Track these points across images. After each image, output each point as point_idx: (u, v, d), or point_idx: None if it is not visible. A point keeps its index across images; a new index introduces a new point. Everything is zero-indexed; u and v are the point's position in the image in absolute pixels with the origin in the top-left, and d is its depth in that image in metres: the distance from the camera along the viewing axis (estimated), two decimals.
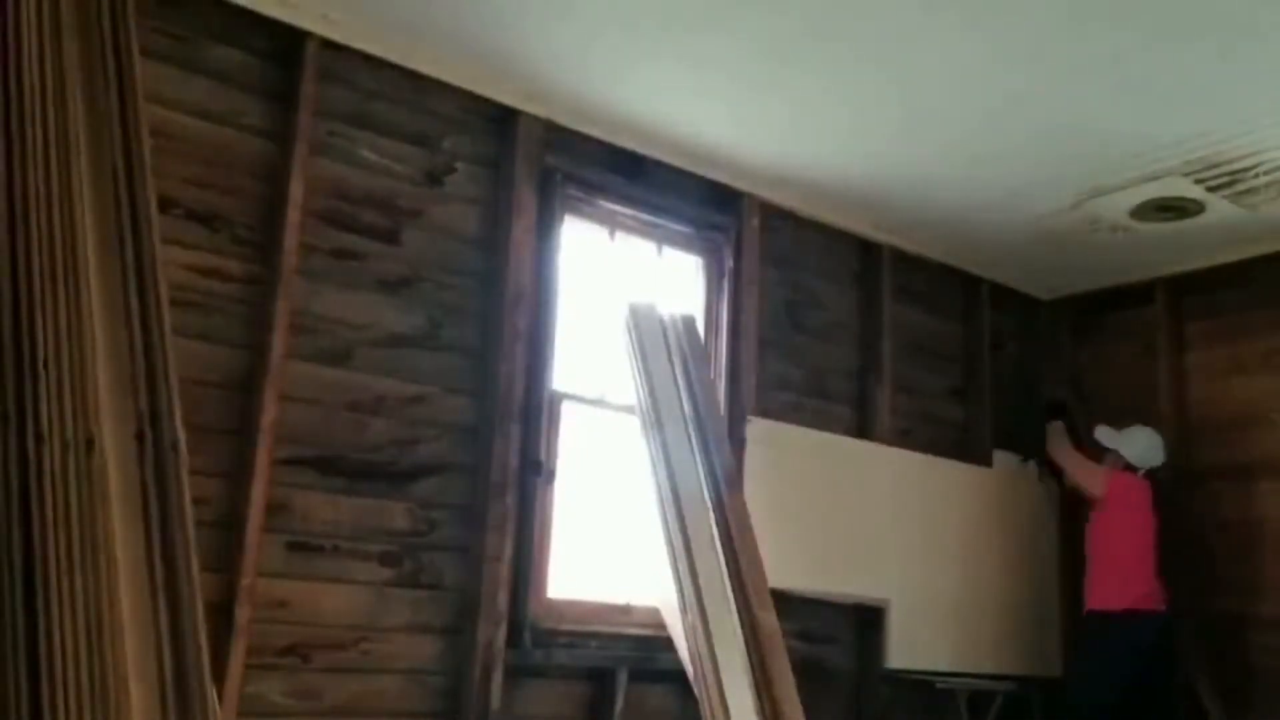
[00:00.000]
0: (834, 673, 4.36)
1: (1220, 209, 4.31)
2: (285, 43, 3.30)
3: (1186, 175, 4.07)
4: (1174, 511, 4.70)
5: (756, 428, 4.12)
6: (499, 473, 3.52)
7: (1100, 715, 4.30)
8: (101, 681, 2.23)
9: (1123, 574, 4.42)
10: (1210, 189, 4.16)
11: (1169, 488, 4.70)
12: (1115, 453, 4.66)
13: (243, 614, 2.99)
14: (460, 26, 3.37)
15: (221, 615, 2.94)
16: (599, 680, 3.70)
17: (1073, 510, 5.00)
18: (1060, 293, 5.38)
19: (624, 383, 3.88)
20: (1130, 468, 4.63)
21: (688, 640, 3.48)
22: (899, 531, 4.48)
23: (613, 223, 4.11)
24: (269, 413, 3.11)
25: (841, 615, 4.40)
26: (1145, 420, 4.78)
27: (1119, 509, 4.51)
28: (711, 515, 3.64)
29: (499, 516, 3.50)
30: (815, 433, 4.38)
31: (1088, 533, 4.62)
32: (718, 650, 3.36)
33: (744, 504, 3.75)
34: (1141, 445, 4.64)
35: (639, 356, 3.84)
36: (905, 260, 4.88)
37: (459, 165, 3.67)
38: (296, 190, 3.25)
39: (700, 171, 4.21)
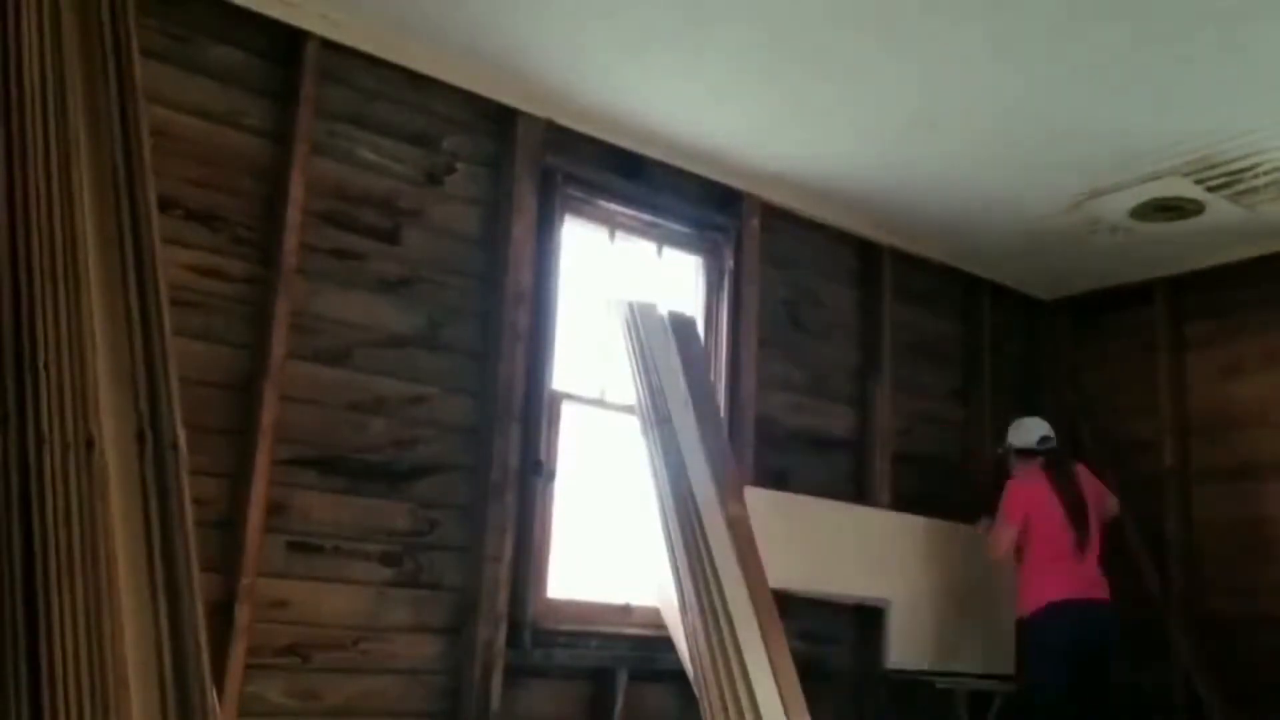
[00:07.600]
0: (834, 673, 4.36)
1: (1220, 209, 4.31)
2: (285, 43, 3.30)
3: (1186, 175, 4.07)
4: (1164, 509, 4.74)
5: (752, 497, 3.94)
6: (499, 473, 3.52)
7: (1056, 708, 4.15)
8: (101, 681, 2.23)
9: (1045, 570, 4.23)
10: (1210, 189, 4.16)
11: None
12: (1008, 450, 4.49)
13: (243, 614, 2.99)
14: (460, 27, 3.37)
15: (221, 615, 2.94)
16: (599, 680, 3.70)
17: None
18: (1060, 293, 5.38)
19: (624, 383, 3.88)
20: (1024, 454, 4.43)
21: (688, 640, 3.47)
22: (899, 538, 4.49)
23: (613, 223, 4.11)
24: (269, 413, 3.11)
25: (842, 615, 4.41)
26: (1145, 418, 4.77)
27: (1033, 518, 4.27)
28: (711, 515, 3.63)
29: (499, 516, 3.49)
30: (813, 500, 4.32)
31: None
32: (745, 652, 3.35)
33: (744, 504, 3.74)
34: (1025, 428, 4.48)
35: (639, 356, 3.84)
36: (905, 260, 4.88)
37: (459, 165, 3.67)
38: (296, 190, 3.25)
39: (700, 171, 4.21)
